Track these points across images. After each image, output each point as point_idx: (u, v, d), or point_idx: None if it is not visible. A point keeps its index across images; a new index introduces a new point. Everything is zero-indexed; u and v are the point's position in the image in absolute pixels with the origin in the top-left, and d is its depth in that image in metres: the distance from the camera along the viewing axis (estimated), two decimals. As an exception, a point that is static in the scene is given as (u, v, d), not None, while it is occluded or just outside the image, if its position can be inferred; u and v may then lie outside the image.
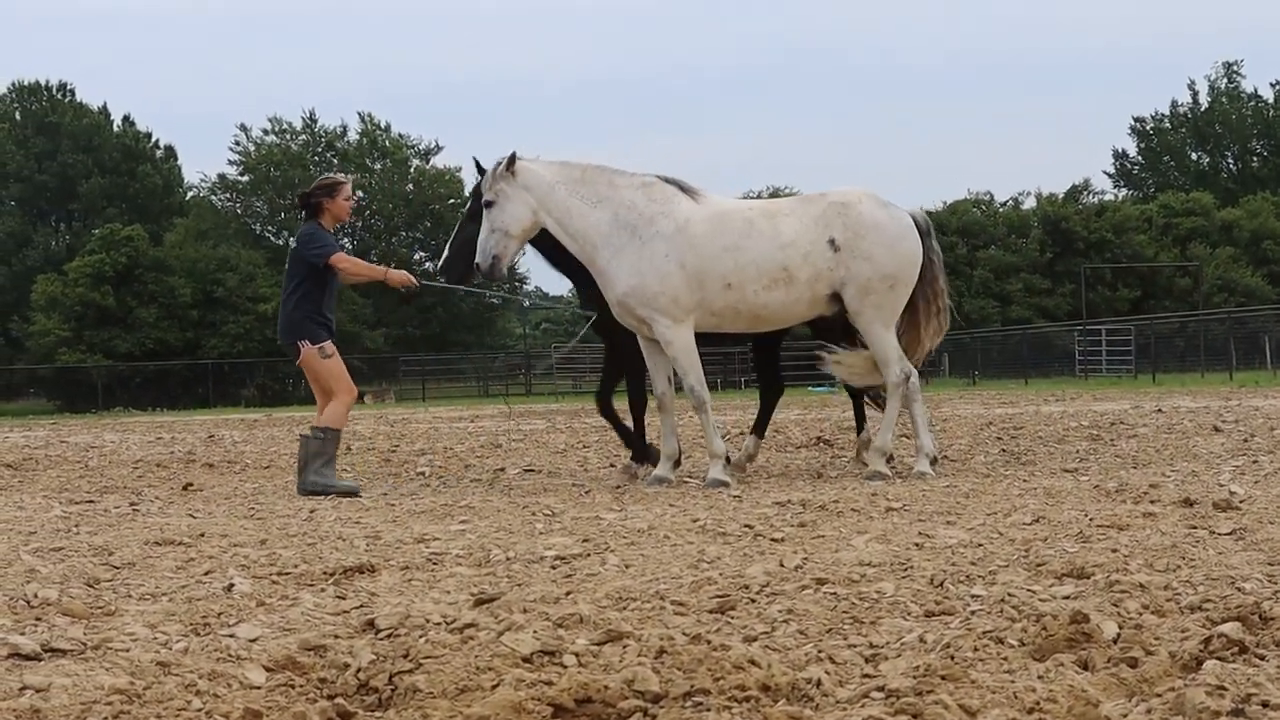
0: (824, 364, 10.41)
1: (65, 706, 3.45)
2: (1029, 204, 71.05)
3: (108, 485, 11.23)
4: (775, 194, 59.80)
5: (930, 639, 3.96)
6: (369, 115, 72.10)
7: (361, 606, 4.84)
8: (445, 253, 10.83)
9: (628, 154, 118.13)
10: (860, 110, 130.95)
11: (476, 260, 9.87)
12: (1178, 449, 11.45)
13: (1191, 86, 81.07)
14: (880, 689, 3.43)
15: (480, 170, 10.44)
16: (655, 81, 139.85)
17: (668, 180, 10.01)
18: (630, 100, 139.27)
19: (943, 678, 3.46)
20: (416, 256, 69.98)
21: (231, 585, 5.29)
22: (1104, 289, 63.50)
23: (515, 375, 56.92)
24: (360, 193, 68.66)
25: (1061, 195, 71.68)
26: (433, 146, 73.06)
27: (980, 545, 5.86)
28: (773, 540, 6.35)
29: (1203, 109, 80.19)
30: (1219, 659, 3.60)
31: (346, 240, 66.17)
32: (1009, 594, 4.51)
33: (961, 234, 65.64)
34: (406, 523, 7.65)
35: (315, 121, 71.93)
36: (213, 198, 71.68)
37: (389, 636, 4.15)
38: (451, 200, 67.62)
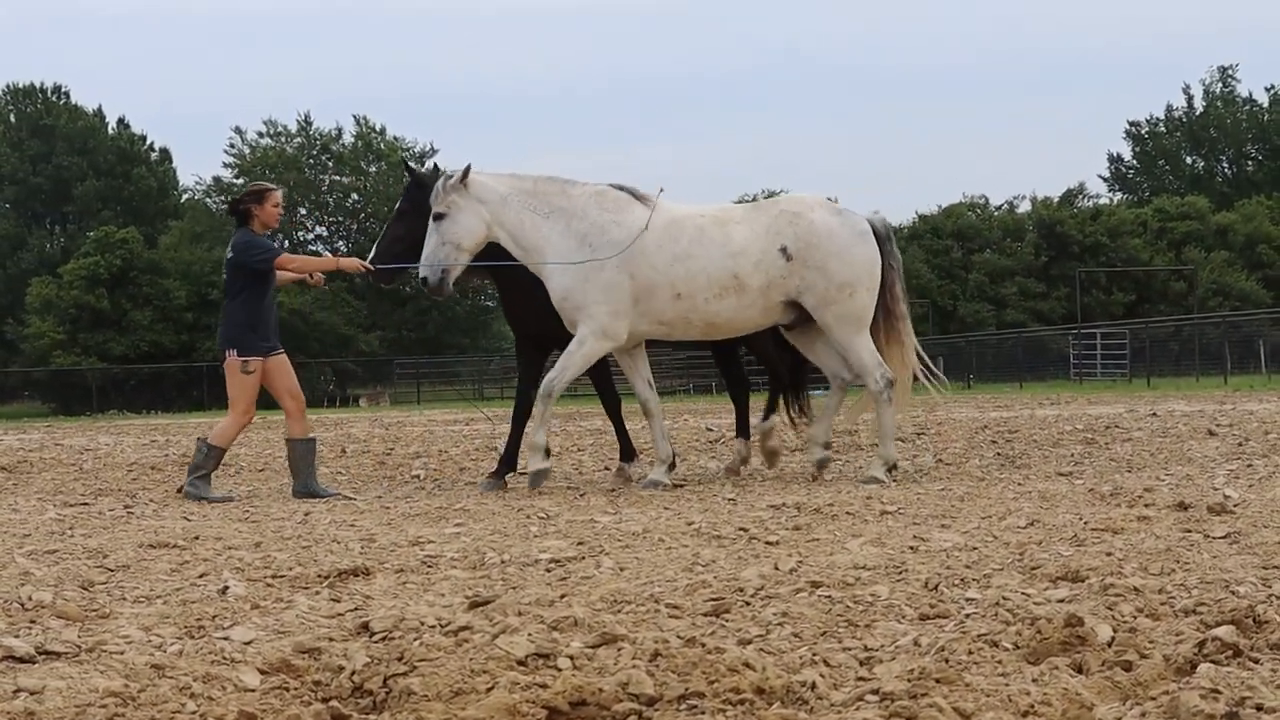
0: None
1: (59, 709, 3.45)
2: (1024, 207, 71.00)
3: (102, 488, 11.23)
4: (772, 196, 59.73)
5: (925, 642, 3.97)
6: (364, 118, 71.94)
7: (356, 609, 4.83)
8: (372, 251, 10.51)
9: (626, 156, 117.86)
10: (859, 112, 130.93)
11: (423, 274, 9.73)
12: (1172, 453, 11.45)
13: (1186, 91, 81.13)
14: (875, 692, 3.44)
15: (410, 173, 10.56)
16: (654, 83, 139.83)
17: (620, 188, 9.99)
18: (629, 102, 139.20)
19: (937, 681, 3.46)
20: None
21: (226, 588, 5.29)
22: (1099, 293, 63.53)
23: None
24: (355, 195, 68.77)
25: (1056, 199, 71.58)
26: (428, 149, 73.09)
27: (975, 549, 5.87)
28: (767, 543, 6.36)
29: (1198, 113, 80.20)
30: (1213, 662, 3.60)
31: (341, 244, 66.14)
32: (1004, 597, 4.51)
33: (956, 237, 65.61)
34: (401, 526, 7.65)
35: (310, 124, 71.75)
36: (208, 200, 71.51)
37: (383, 639, 4.15)
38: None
